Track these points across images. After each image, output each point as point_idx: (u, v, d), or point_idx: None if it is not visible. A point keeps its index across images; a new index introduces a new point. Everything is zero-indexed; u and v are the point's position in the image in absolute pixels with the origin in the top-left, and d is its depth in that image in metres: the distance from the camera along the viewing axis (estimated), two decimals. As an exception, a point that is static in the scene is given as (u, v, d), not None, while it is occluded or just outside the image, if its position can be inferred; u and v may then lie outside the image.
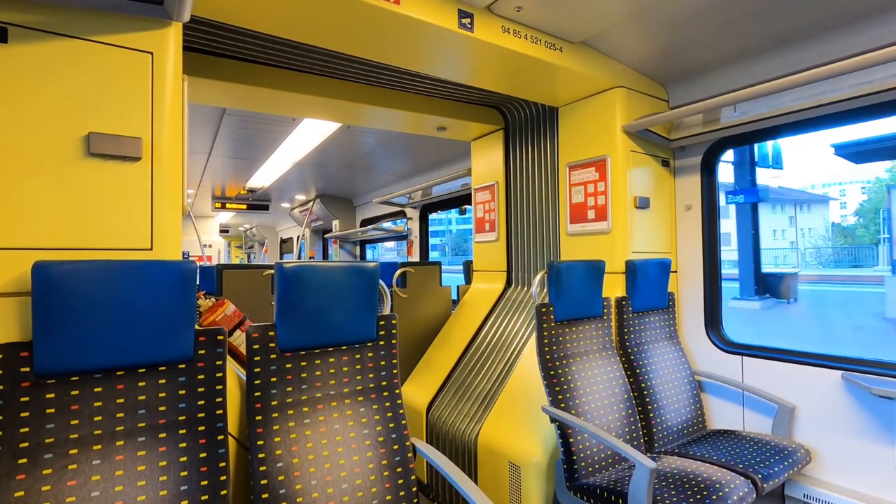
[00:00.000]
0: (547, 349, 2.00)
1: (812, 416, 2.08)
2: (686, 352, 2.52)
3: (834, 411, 2.01)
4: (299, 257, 8.89)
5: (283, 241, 10.47)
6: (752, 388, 2.23)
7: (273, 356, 1.46)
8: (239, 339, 1.88)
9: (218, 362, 1.33)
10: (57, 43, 1.20)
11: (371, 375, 1.62)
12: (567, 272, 2.07)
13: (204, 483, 1.23)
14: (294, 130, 3.73)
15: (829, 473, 2.01)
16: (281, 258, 10.47)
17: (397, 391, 1.65)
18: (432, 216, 5.48)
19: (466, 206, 4.59)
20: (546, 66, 2.14)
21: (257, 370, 1.43)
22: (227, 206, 7.30)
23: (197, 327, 1.31)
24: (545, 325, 2.02)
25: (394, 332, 1.69)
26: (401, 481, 1.51)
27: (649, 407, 2.15)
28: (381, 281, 1.71)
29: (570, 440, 1.83)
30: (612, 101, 2.42)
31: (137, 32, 1.29)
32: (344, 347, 1.59)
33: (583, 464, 1.83)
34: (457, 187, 4.48)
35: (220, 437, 1.29)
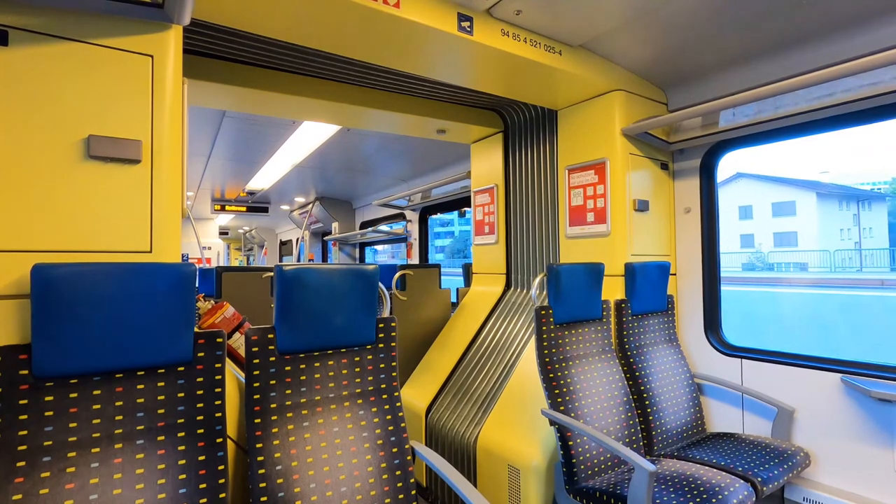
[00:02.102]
0: (546, 352, 2.00)
1: (811, 419, 2.08)
2: (685, 354, 2.52)
3: (833, 414, 2.01)
4: (298, 260, 8.89)
5: (282, 244, 10.47)
6: (751, 390, 2.23)
7: (272, 359, 1.46)
8: (238, 342, 1.88)
9: (217, 365, 1.33)
10: (57, 46, 1.20)
11: (370, 378, 1.62)
12: (566, 275, 2.07)
13: (202, 486, 1.22)
14: (294, 133, 3.74)
15: (829, 476, 2.01)
16: (280, 260, 10.47)
17: (396, 394, 1.64)
18: (438, 217, 5.48)
19: (466, 209, 4.59)
20: (545, 69, 2.15)
21: (256, 373, 1.43)
22: (227, 208, 7.31)
23: (196, 330, 1.31)
24: (544, 328, 2.02)
25: (393, 334, 1.69)
26: (400, 484, 1.51)
27: (648, 410, 2.15)
28: (380, 283, 1.72)
29: (570, 443, 1.83)
30: (612, 104, 2.43)
31: (138, 35, 1.29)
32: (343, 350, 1.59)
33: (582, 467, 1.83)
34: (456, 190, 4.49)
35: (219, 440, 1.28)
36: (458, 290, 3.59)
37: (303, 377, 1.50)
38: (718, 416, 2.42)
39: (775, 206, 28.90)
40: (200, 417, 1.28)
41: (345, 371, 1.57)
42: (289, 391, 1.46)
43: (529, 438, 2.07)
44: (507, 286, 3.14)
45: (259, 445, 1.37)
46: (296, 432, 1.43)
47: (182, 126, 1.39)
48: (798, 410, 2.12)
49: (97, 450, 1.13)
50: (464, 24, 1.83)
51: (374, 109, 2.65)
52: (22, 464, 1.06)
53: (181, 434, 1.24)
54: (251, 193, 6.48)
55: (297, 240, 8.82)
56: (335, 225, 7.02)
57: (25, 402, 1.09)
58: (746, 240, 29.80)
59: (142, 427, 1.20)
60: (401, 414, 1.62)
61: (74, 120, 1.21)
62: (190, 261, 1.35)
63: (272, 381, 1.44)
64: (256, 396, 1.41)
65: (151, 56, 1.31)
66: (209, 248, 9.62)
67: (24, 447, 1.07)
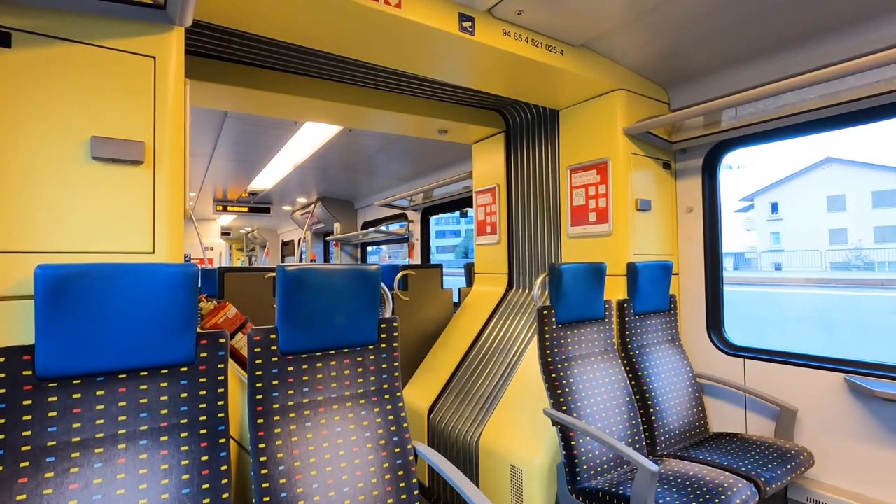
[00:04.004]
0: (548, 352, 2.00)
1: (814, 418, 2.07)
2: (688, 354, 2.52)
3: (836, 414, 2.00)
4: (300, 260, 8.91)
5: (284, 244, 10.48)
6: (754, 390, 2.22)
7: (275, 359, 1.46)
8: (241, 342, 1.88)
9: (220, 365, 1.33)
10: (60, 47, 1.21)
11: (372, 378, 1.62)
12: (568, 275, 2.07)
13: (205, 486, 1.23)
14: (296, 133, 3.74)
15: (832, 476, 2.00)
16: (282, 261, 10.49)
17: (399, 394, 1.65)
18: (443, 216, 5.48)
19: (468, 209, 4.59)
20: (547, 68, 2.14)
21: (259, 373, 1.43)
22: (229, 208, 7.33)
23: (199, 330, 1.32)
24: (546, 328, 2.02)
25: (395, 334, 1.69)
26: (402, 484, 1.51)
27: (651, 410, 2.15)
28: (382, 284, 1.72)
29: (572, 443, 1.83)
30: (613, 104, 2.42)
31: (140, 37, 1.29)
32: (345, 350, 1.59)
33: (585, 467, 1.82)
34: (458, 190, 4.49)
35: (222, 441, 1.29)
36: (459, 290, 3.60)
37: (305, 377, 1.50)
38: (721, 416, 2.41)
39: (876, 196, 23.85)
40: (203, 418, 1.28)
41: (347, 371, 1.58)
42: (291, 391, 1.46)
43: (531, 438, 2.07)
44: (509, 286, 3.13)
45: (262, 446, 1.37)
46: (298, 432, 1.43)
47: (184, 127, 1.39)
48: (801, 410, 2.11)
49: (100, 450, 1.14)
50: (465, 24, 1.83)
51: (376, 110, 2.65)
52: (26, 464, 1.06)
53: (184, 434, 1.24)
54: (253, 194, 6.49)
55: (299, 240, 8.82)
56: (337, 225, 7.03)
57: (29, 402, 1.09)
58: (837, 235, 24.90)
59: (145, 427, 1.20)
60: (403, 414, 1.62)
61: (77, 121, 1.22)
62: (192, 261, 1.35)
63: (275, 382, 1.45)
64: (259, 397, 1.42)
65: (154, 57, 1.31)
66: (211, 249, 9.64)
67: (27, 447, 1.07)
